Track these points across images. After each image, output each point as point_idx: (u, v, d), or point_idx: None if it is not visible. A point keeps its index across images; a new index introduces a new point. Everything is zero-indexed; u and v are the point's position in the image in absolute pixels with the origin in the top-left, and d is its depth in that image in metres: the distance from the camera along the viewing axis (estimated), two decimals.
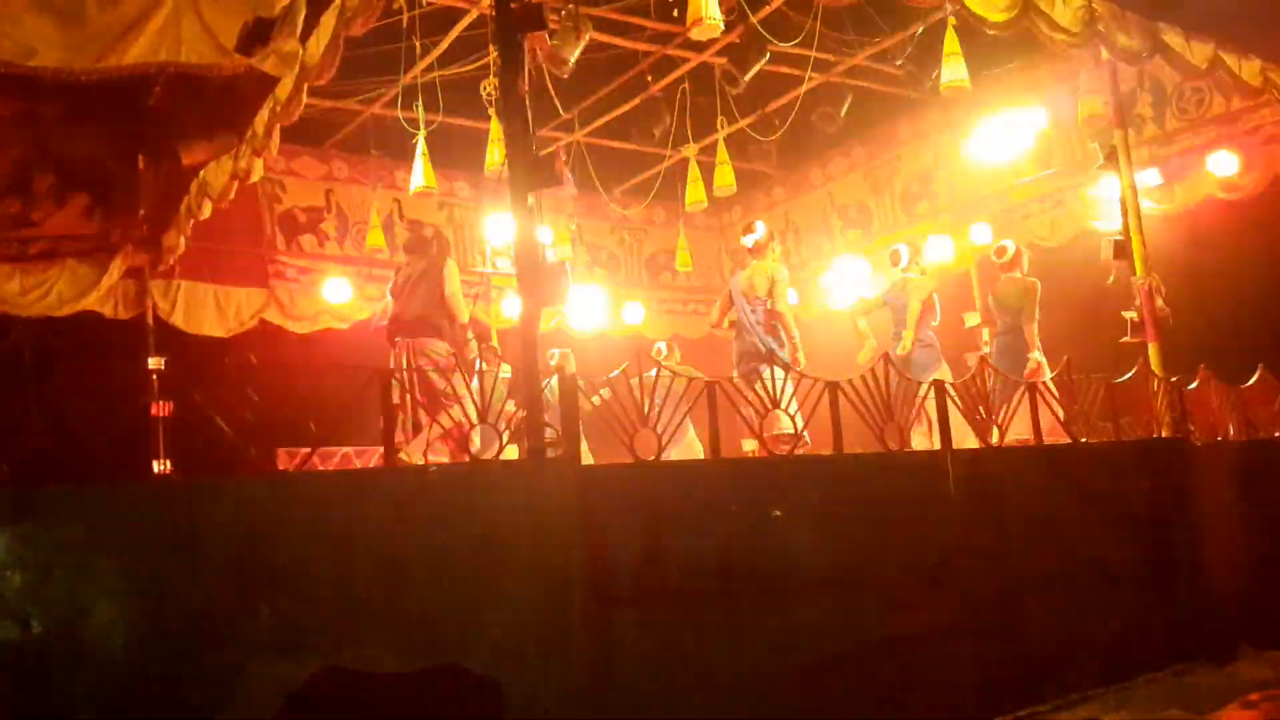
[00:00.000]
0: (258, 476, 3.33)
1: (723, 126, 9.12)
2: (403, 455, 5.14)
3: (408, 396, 5.63)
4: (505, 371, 4.74)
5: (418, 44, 7.57)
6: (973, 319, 8.91)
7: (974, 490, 4.41)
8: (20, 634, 2.65)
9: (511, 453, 3.90)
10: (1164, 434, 5.34)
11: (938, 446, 4.48)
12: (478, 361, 3.88)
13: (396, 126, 8.33)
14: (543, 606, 3.26)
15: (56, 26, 4.24)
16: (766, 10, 7.37)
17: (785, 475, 4.08)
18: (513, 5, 3.95)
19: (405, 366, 5.75)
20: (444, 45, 7.73)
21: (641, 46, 8.33)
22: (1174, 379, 5.50)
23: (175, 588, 2.87)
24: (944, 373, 6.82)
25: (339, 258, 9.74)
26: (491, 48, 7.34)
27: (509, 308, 9.76)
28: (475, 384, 3.72)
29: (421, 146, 7.96)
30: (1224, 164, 7.74)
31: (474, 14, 7.38)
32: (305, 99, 5.61)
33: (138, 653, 2.77)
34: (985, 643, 4.22)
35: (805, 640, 3.76)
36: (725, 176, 9.04)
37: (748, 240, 7.03)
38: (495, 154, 7.42)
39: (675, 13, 7.13)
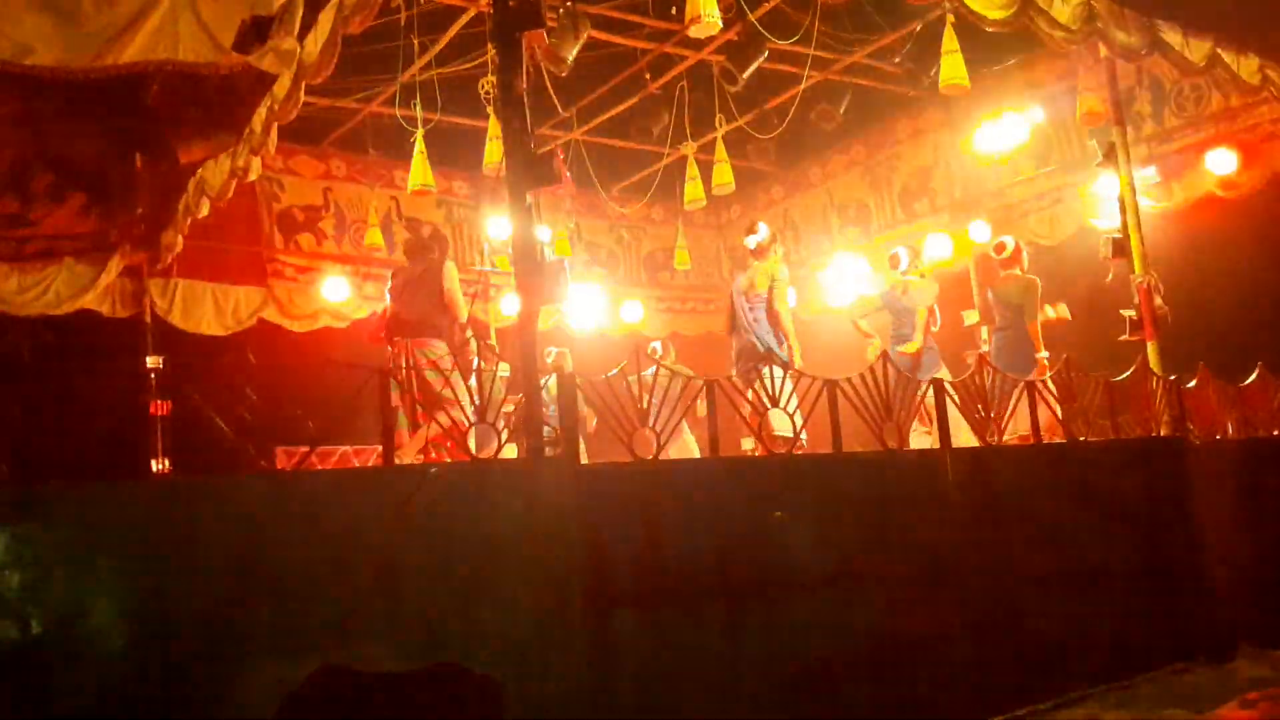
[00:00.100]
0: (256, 475, 3.32)
1: (721, 124, 9.12)
2: (396, 458, 5.14)
3: (407, 397, 5.63)
4: (503, 370, 4.74)
5: (416, 42, 7.56)
6: (971, 317, 8.92)
7: (973, 489, 4.41)
8: (19, 634, 2.64)
9: (510, 452, 3.90)
10: (1163, 432, 5.35)
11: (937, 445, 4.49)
12: (476, 361, 3.87)
13: (395, 125, 8.32)
14: (542, 606, 3.26)
15: (54, 25, 4.23)
16: (765, 8, 7.37)
17: (784, 475, 4.08)
18: (511, 3, 3.94)
19: (404, 366, 5.74)
20: (442, 43, 7.73)
21: (640, 44, 8.32)
22: (1173, 377, 5.51)
23: (174, 587, 2.86)
24: (944, 375, 6.82)
25: (337, 256, 9.73)
26: (489, 46, 7.33)
27: (507, 306, 9.77)
28: (473, 384, 3.71)
29: (419, 145, 7.95)
30: (1222, 161, 7.74)
31: (472, 12, 7.37)
32: (303, 97, 5.60)
33: (136, 653, 2.77)
34: (984, 642, 4.22)
35: (804, 640, 3.76)
36: (724, 174, 9.04)
37: (750, 241, 7.04)
38: (493, 152, 7.41)
39: (674, 10, 7.13)
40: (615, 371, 3.82)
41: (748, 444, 6.44)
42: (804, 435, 4.41)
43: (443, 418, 4.21)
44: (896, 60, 8.34)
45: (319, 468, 5.76)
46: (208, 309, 8.91)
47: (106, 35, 4.31)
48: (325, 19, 5.02)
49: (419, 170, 7.93)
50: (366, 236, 9.56)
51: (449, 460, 5.81)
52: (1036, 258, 8.09)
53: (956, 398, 4.70)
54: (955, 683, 4.11)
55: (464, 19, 7.50)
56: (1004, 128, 8.61)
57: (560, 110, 8.66)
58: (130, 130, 5.76)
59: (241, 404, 3.26)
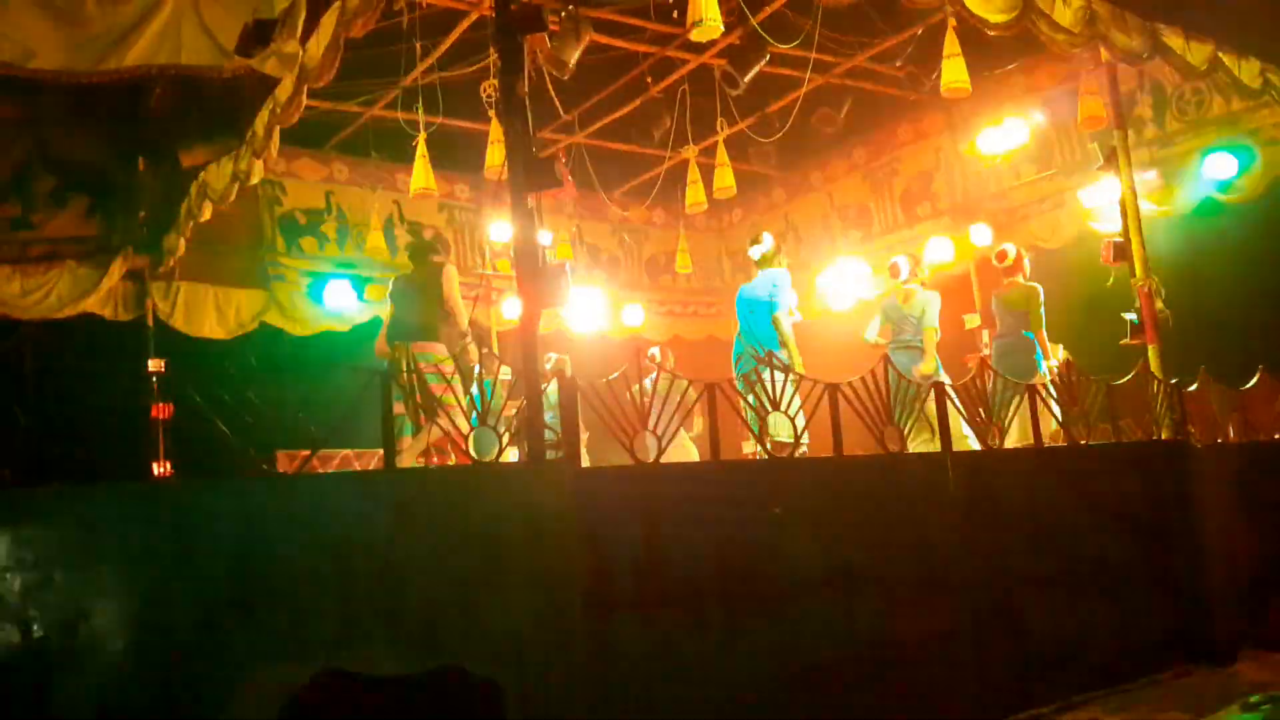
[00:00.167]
0: (258, 478, 3.33)
1: (723, 128, 9.13)
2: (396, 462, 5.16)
3: (410, 402, 5.65)
4: (505, 373, 4.74)
5: (418, 46, 7.57)
6: (973, 321, 8.92)
7: (974, 493, 4.41)
8: (20, 637, 2.65)
9: (512, 455, 3.90)
10: (1164, 436, 5.34)
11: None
12: (477, 369, 3.87)
13: (397, 128, 8.34)
14: (543, 608, 3.26)
15: (57, 29, 4.25)
16: (766, 12, 7.37)
17: (785, 478, 4.08)
18: (513, 7, 3.96)
19: (405, 370, 5.75)
20: (444, 47, 7.74)
21: (641, 48, 8.34)
22: (1174, 381, 5.51)
23: (175, 590, 2.87)
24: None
25: (339, 260, 9.74)
26: (491, 50, 7.35)
27: (509, 309, 9.78)
28: (474, 390, 3.72)
29: (421, 148, 7.97)
30: (1224, 165, 7.74)
31: (474, 16, 7.39)
32: (305, 101, 5.61)
33: (137, 655, 2.77)
34: (985, 645, 4.22)
35: (804, 643, 3.76)
36: (725, 178, 9.05)
37: (754, 252, 7.12)
38: (495, 156, 7.43)
39: (675, 14, 7.14)
40: (616, 375, 3.83)
41: (748, 447, 6.45)
42: (805, 439, 4.41)
43: (444, 422, 4.22)
44: (898, 64, 8.35)
45: (320, 471, 5.78)
46: (210, 312, 8.92)
47: (109, 39, 4.32)
48: (327, 23, 5.03)
49: (421, 174, 7.95)
50: (369, 240, 9.57)
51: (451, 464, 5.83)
52: (1037, 261, 8.10)
53: (959, 401, 4.70)
54: (956, 686, 4.11)
55: (466, 23, 7.52)
56: (1005, 131, 8.63)
57: (562, 114, 8.68)
58: (133, 134, 5.78)
59: (243, 407, 3.26)
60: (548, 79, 7.23)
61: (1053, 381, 5.20)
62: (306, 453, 3.77)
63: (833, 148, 10.63)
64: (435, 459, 5.88)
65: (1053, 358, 7.22)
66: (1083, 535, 4.78)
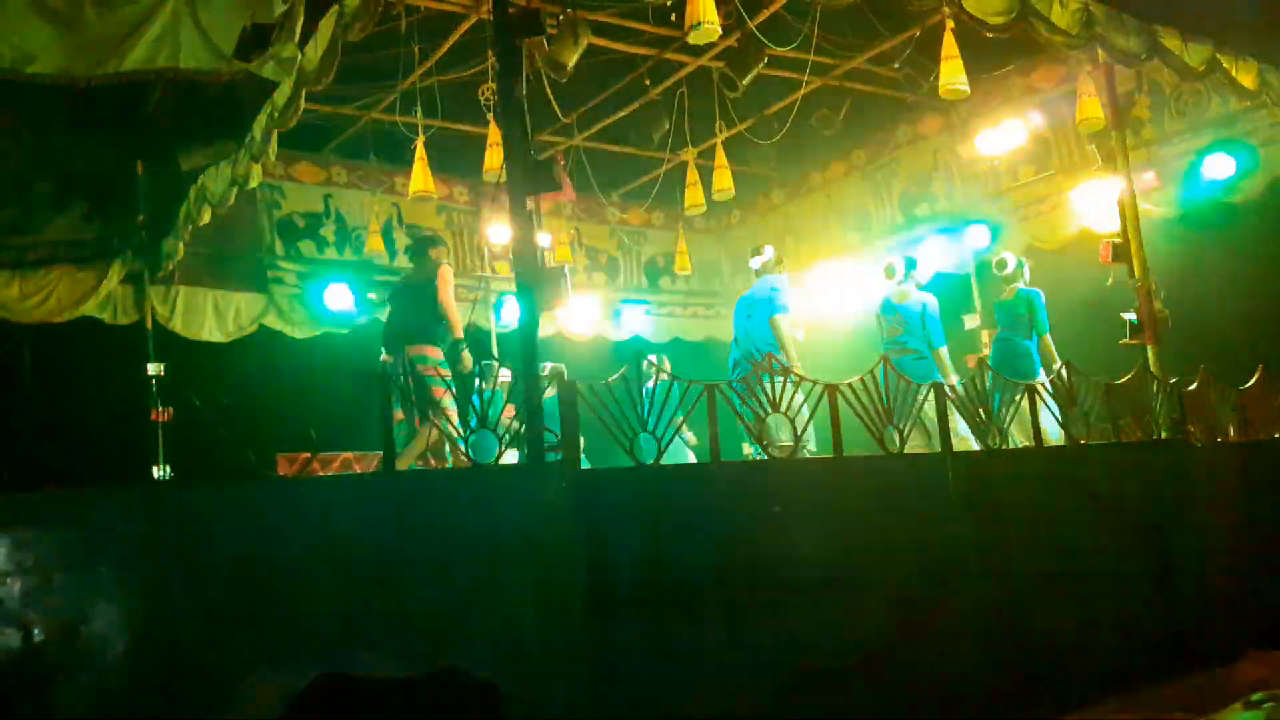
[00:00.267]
0: (257, 481, 3.33)
1: (721, 130, 9.13)
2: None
3: (406, 404, 5.64)
4: (504, 376, 4.75)
5: (416, 49, 7.57)
6: (972, 321, 8.92)
7: (974, 494, 4.41)
8: (21, 640, 2.65)
9: (512, 457, 3.90)
10: (1163, 436, 5.34)
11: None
12: (477, 380, 3.86)
13: (395, 132, 8.34)
14: (543, 610, 3.26)
15: (55, 33, 4.25)
16: (764, 14, 7.38)
17: (785, 479, 4.08)
18: (511, 11, 3.96)
19: (401, 374, 5.74)
20: (442, 50, 7.74)
21: (640, 51, 8.33)
22: (1173, 380, 5.51)
23: (175, 593, 2.87)
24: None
25: (338, 263, 9.74)
26: (490, 53, 7.35)
27: (508, 312, 9.79)
28: (472, 394, 3.72)
29: (420, 151, 7.96)
30: (1222, 166, 7.75)
31: (472, 19, 7.39)
32: (303, 105, 5.61)
33: (137, 659, 2.77)
34: (987, 646, 4.22)
35: (806, 645, 3.75)
36: (724, 180, 9.05)
37: (754, 263, 7.18)
38: (494, 158, 7.43)
39: (673, 17, 7.14)
40: (616, 377, 3.83)
41: (748, 449, 6.44)
42: (813, 440, 4.41)
43: (437, 428, 4.21)
44: (896, 66, 8.35)
45: (320, 473, 5.78)
46: (209, 316, 8.92)
47: (108, 43, 4.32)
48: (326, 27, 5.03)
49: (420, 176, 7.95)
50: (367, 243, 9.57)
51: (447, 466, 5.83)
52: (1037, 263, 8.10)
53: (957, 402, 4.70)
54: (958, 688, 4.11)
55: (464, 26, 7.52)
56: (1003, 132, 8.63)
57: (560, 116, 8.68)
58: (131, 138, 5.77)
59: (243, 410, 3.27)
60: (546, 82, 7.23)
61: (1052, 383, 5.20)
62: (306, 456, 3.78)
63: (831, 149, 10.63)
64: (433, 462, 5.88)
65: (1057, 360, 7.21)
66: (1083, 535, 4.78)
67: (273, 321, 9.30)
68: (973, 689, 4.14)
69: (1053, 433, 5.24)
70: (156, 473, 6.70)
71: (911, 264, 7.65)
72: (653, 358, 9.12)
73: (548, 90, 7.45)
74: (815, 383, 4.25)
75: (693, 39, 6.36)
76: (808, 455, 5.60)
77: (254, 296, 9.23)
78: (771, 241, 8.16)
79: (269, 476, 5.07)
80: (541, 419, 3.57)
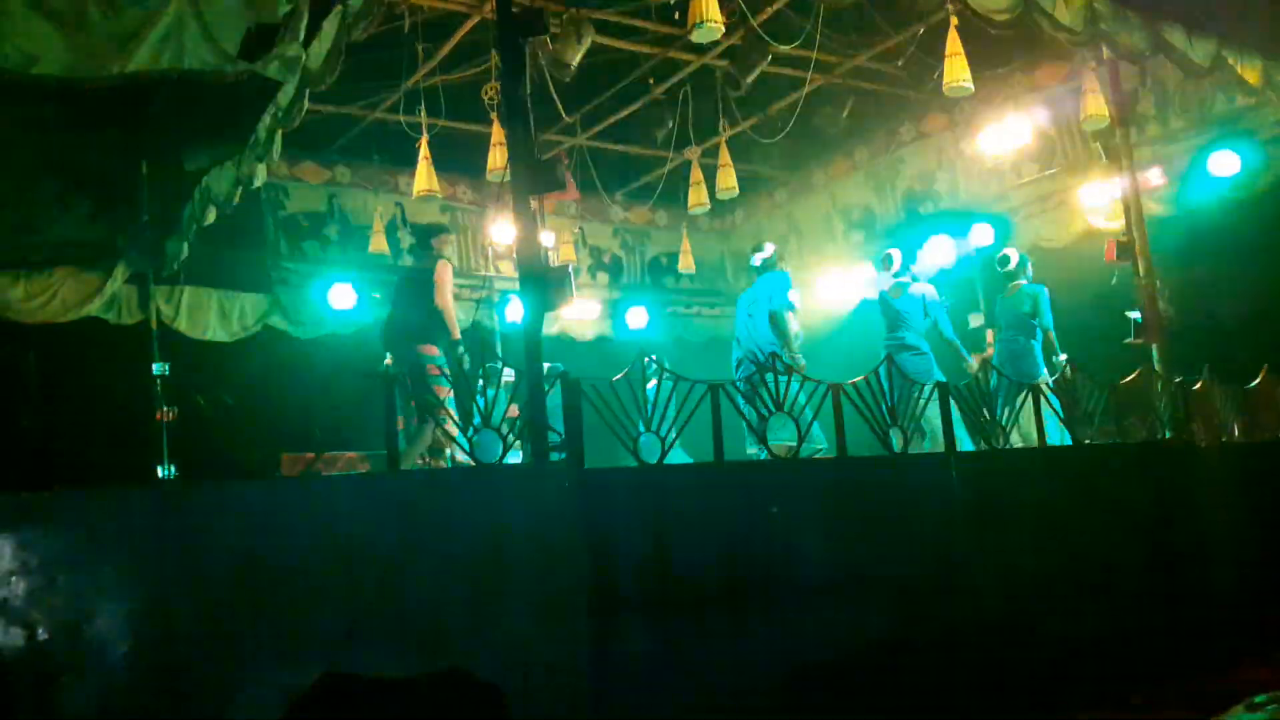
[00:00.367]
0: (261, 481, 3.33)
1: (725, 129, 9.13)
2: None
3: (405, 403, 5.63)
4: (508, 375, 4.74)
5: (420, 49, 7.58)
6: (977, 320, 8.91)
7: (978, 494, 4.40)
8: (24, 640, 2.65)
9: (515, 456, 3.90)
10: (1167, 436, 5.33)
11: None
12: (479, 382, 3.85)
13: (399, 131, 8.34)
14: (546, 611, 3.26)
15: (59, 34, 4.25)
16: (767, 12, 7.37)
17: (789, 479, 4.08)
18: (514, 10, 3.96)
19: (403, 373, 5.73)
20: (446, 50, 7.74)
21: (643, 49, 8.33)
22: (1178, 380, 5.49)
23: (179, 593, 2.87)
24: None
25: (342, 263, 9.75)
26: (493, 52, 7.35)
27: (512, 311, 9.79)
28: (467, 396, 3.72)
29: (424, 151, 7.97)
30: (1227, 163, 7.72)
31: (476, 19, 7.39)
32: (307, 105, 5.62)
33: (141, 658, 2.78)
34: (990, 647, 4.21)
35: (808, 645, 3.75)
36: (727, 179, 9.04)
37: (756, 259, 7.18)
38: (497, 158, 7.43)
39: (676, 16, 7.14)
40: (620, 377, 3.83)
41: (751, 449, 6.45)
42: (822, 439, 4.39)
43: (435, 429, 4.19)
44: (899, 63, 8.34)
45: (324, 473, 5.78)
46: (213, 316, 8.93)
47: (112, 44, 4.32)
48: (329, 27, 5.04)
49: (423, 176, 7.95)
50: (371, 243, 9.58)
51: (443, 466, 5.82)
52: (1041, 261, 8.09)
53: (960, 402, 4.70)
54: (961, 689, 4.10)
55: (468, 26, 7.52)
56: (1007, 130, 8.62)
57: (564, 115, 8.67)
58: (136, 138, 5.78)
59: (247, 410, 3.27)
60: (549, 81, 7.24)
61: (1057, 383, 5.19)
62: (310, 455, 3.78)
63: (835, 148, 10.62)
64: (431, 462, 5.88)
65: (1061, 353, 7.21)
66: (1086, 536, 4.77)
67: (277, 321, 9.32)
68: (975, 691, 4.13)
69: (1051, 431, 5.23)
70: (161, 472, 6.71)
71: (909, 257, 7.64)
72: (652, 356, 9.13)
73: (551, 89, 7.45)
74: (819, 383, 4.24)
75: (696, 37, 6.36)
76: (819, 456, 5.62)
77: (258, 296, 9.25)
78: (775, 241, 8.16)
79: (273, 476, 5.08)
80: (545, 419, 3.57)
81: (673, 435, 3.76)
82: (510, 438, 3.63)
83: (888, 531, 4.10)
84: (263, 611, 2.92)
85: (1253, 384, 5.93)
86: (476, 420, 3.64)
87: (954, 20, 6.65)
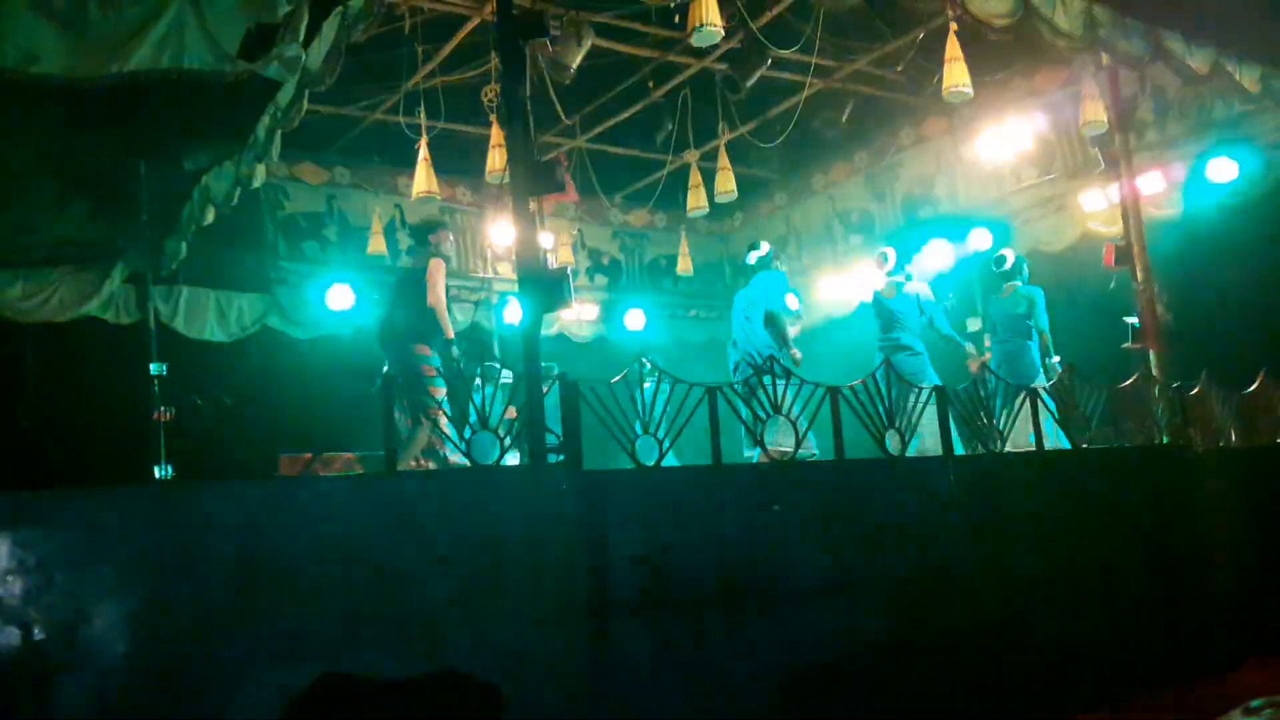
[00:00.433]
0: (259, 481, 3.33)
1: (724, 132, 9.13)
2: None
3: (402, 406, 5.61)
4: (506, 376, 4.74)
5: (419, 50, 7.58)
6: (975, 324, 8.92)
7: (975, 497, 4.41)
8: (21, 639, 2.65)
9: (513, 458, 3.90)
10: (1165, 440, 5.34)
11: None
12: (476, 381, 3.85)
13: (398, 132, 8.34)
14: (544, 612, 3.26)
15: (59, 34, 4.25)
16: (767, 16, 7.38)
17: (787, 482, 4.08)
18: (515, 12, 3.97)
19: (393, 376, 5.70)
20: (446, 52, 7.75)
21: (643, 52, 8.34)
22: (1175, 384, 5.50)
23: (176, 593, 2.87)
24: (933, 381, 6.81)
25: (341, 264, 9.74)
26: (493, 54, 7.35)
27: (510, 313, 9.79)
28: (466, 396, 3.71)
29: (423, 152, 7.97)
30: (1226, 169, 7.74)
31: (476, 21, 7.39)
32: (307, 105, 5.62)
33: (138, 659, 2.77)
34: (988, 651, 4.22)
35: (805, 648, 3.75)
36: (726, 182, 9.05)
37: (750, 257, 7.17)
38: (496, 160, 7.43)
39: (676, 19, 7.15)
40: (618, 379, 3.83)
41: (750, 452, 6.45)
42: (816, 447, 4.38)
43: (430, 430, 4.19)
44: (899, 68, 8.35)
45: (322, 474, 5.77)
46: (211, 316, 8.92)
47: (112, 44, 4.32)
48: (329, 28, 5.04)
49: (423, 177, 7.95)
50: (370, 244, 9.57)
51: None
52: (1040, 265, 8.09)
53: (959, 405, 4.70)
54: (958, 693, 4.10)
55: (468, 28, 7.52)
56: (1007, 135, 8.63)
57: (564, 118, 8.68)
58: (135, 138, 5.78)
59: (245, 410, 3.27)
60: (549, 83, 7.24)
61: (1054, 385, 5.20)
62: (308, 456, 3.78)
63: (834, 152, 10.63)
64: (425, 464, 5.86)
65: (1055, 355, 7.23)
66: (1083, 540, 4.78)
67: (275, 322, 9.30)
68: (972, 695, 4.13)
69: (1048, 429, 5.24)
70: (158, 472, 6.70)
71: (904, 257, 7.63)
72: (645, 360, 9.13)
73: (551, 92, 7.46)
74: (817, 385, 4.25)
75: (696, 41, 6.36)
76: (810, 458, 5.61)
77: (257, 297, 9.23)
78: (774, 244, 8.16)
79: (271, 476, 5.08)
80: (543, 420, 3.57)
81: (668, 442, 3.76)
82: (508, 439, 3.63)
83: (885, 534, 4.10)
84: (260, 612, 2.92)
85: (1250, 389, 5.94)
86: (473, 421, 3.64)
87: (954, 25, 6.66)
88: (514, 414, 3.83)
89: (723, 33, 6.35)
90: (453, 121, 8.46)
